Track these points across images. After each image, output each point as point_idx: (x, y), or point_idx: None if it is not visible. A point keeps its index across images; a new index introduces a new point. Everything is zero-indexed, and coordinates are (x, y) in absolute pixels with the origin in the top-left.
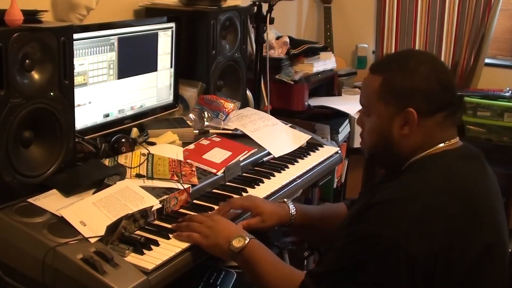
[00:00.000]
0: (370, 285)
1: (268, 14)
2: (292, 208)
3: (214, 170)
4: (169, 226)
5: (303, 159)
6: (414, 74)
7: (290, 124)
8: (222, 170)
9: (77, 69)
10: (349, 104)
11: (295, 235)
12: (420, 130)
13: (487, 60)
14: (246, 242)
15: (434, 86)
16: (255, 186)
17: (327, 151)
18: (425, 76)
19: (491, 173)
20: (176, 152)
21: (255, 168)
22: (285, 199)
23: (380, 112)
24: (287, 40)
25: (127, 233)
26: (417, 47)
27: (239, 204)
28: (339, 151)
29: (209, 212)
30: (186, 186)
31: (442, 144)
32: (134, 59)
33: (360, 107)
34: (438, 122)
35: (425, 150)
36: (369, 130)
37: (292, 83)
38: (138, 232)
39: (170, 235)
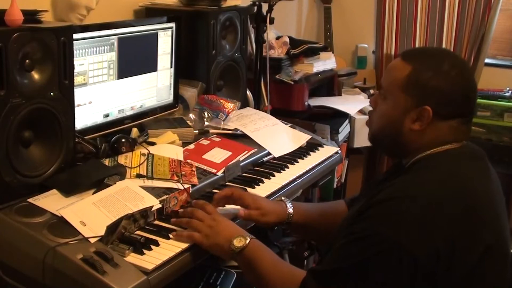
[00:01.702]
0: (372, 284)
1: (268, 14)
2: (289, 207)
3: (214, 170)
4: (169, 226)
5: (303, 159)
6: (444, 76)
7: (290, 124)
8: (222, 170)
9: (77, 69)
10: (349, 104)
11: (295, 234)
12: (431, 130)
13: (487, 60)
14: (247, 242)
15: (458, 93)
16: (255, 186)
17: (327, 151)
18: (453, 81)
19: (494, 174)
20: (176, 152)
21: (255, 168)
22: (282, 198)
23: (398, 100)
24: (287, 40)
25: (127, 233)
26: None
27: (240, 194)
28: (339, 151)
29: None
30: (186, 186)
31: (448, 145)
32: (134, 59)
33: (359, 107)
34: (451, 127)
35: (431, 149)
36: (380, 113)
37: (292, 83)
38: (138, 232)
39: (170, 235)
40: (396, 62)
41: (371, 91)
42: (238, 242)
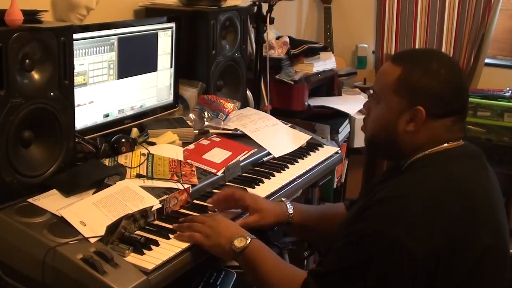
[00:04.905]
0: (373, 283)
1: (268, 14)
2: (289, 207)
3: (214, 170)
4: (169, 226)
5: (303, 159)
6: (434, 75)
7: (290, 124)
8: (222, 170)
9: (77, 69)
10: (349, 104)
11: (295, 235)
12: (426, 130)
13: (487, 60)
14: (248, 242)
15: (450, 91)
16: (255, 186)
17: (327, 151)
18: (443, 79)
19: (492, 173)
20: (176, 152)
21: (255, 168)
22: (282, 198)
23: (390, 103)
24: (287, 40)
25: (127, 233)
26: (417, 47)
27: (240, 195)
28: (339, 151)
29: (210, 212)
30: (186, 186)
31: (445, 144)
32: (134, 59)
33: (359, 107)
34: (446, 125)
35: (428, 149)
36: (374, 117)
37: (292, 83)
38: (138, 232)
39: (170, 235)
40: (386, 65)
41: (371, 91)
42: (239, 243)
